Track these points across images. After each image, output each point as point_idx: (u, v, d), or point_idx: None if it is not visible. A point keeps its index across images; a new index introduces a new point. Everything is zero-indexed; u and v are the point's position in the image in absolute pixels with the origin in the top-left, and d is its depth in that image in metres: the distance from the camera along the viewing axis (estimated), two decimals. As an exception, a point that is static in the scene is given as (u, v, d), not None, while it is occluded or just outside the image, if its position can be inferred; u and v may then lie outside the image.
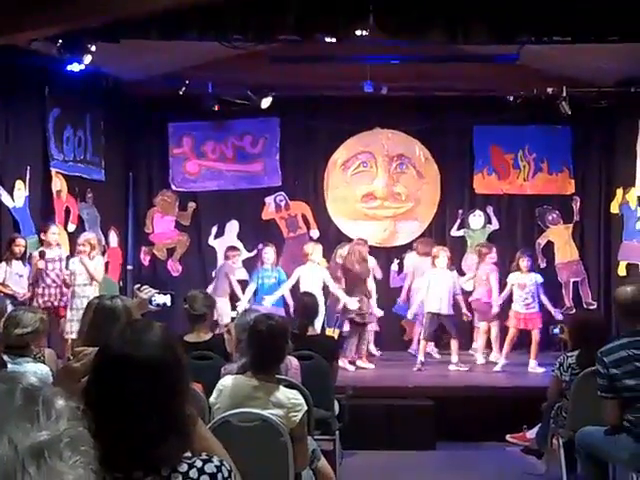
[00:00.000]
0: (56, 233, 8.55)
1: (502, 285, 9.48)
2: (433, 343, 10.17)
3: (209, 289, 9.30)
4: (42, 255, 8.21)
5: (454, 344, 9.19)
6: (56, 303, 8.29)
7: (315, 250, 9.55)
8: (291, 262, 10.24)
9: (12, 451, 0.98)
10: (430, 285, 9.19)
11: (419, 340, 9.54)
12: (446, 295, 9.11)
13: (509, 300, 9.44)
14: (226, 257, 10.26)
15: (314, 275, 9.29)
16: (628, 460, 4.59)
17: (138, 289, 4.48)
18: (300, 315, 6.46)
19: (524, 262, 9.30)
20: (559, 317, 9.32)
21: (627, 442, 4.50)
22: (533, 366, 9.04)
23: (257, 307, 8.53)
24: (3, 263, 8.06)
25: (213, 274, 10.90)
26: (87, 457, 1.04)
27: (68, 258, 8.68)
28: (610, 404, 4.53)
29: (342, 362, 8.78)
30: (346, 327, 9.43)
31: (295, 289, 9.25)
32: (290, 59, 9.04)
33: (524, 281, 9.24)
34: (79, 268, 8.49)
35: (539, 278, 9.39)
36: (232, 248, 10.42)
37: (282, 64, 9.22)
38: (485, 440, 7.28)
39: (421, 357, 9.09)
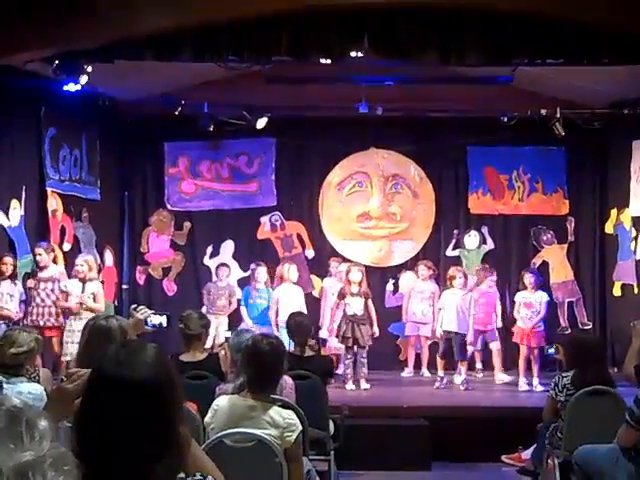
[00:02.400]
0: (42, 254, 8.40)
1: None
2: (425, 363, 10.19)
3: (203, 309, 9.32)
4: (33, 276, 8.21)
5: (459, 365, 9.24)
6: (42, 323, 8.19)
7: (290, 270, 9.59)
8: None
9: None
10: (445, 305, 9.28)
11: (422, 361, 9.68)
12: (460, 315, 9.18)
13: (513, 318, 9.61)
14: (215, 274, 10.41)
15: (292, 295, 9.32)
16: (626, 480, 4.57)
17: (134, 309, 4.48)
18: (296, 335, 6.45)
19: (528, 279, 9.37)
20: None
21: (627, 463, 4.49)
22: (522, 383, 9.16)
23: (249, 327, 8.55)
24: None
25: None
26: (70, 476, 1.06)
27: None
28: (633, 433, 4.48)
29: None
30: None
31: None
32: (285, 80, 9.09)
33: (530, 300, 9.30)
34: (75, 289, 8.42)
35: (545, 297, 9.45)
36: (222, 265, 10.53)
37: (277, 85, 9.28)
38: (481, 460, 7.24)
39: (441, 374, 9.20)
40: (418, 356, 10.38)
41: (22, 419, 1.07)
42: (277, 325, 9.31)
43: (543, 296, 9.43)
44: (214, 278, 10.59)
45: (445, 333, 9.23)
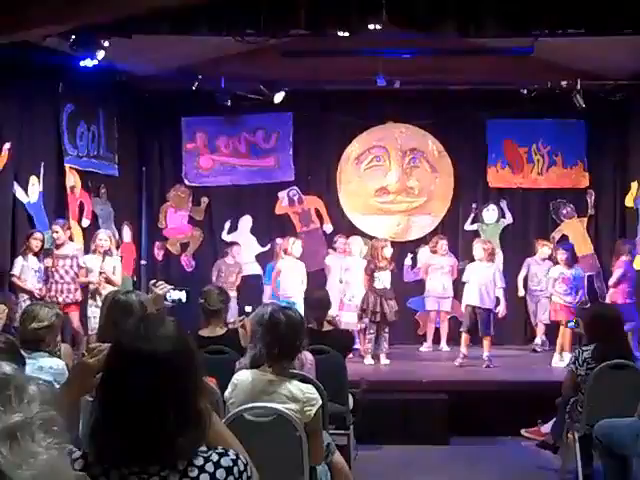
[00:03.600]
0: (58, 231, 8.48)
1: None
2: (445, 338, 10.18)
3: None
4: (49, 254, 8.27)
5: (485, 340, 8.95)
6: (61, 299, 8.27)
7: (295, 245, 9.58)
8: (304, 256, 10.23)
9: None
10: (470, 278, 9.12)
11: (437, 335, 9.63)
12: (484, 288, 8.97)
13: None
14: (225, 254, 10.49)
15: (294, 270, 9.31)
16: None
17: (154, 285, 4.49)
18: (315, 309, 6.45)
19: (562, 255, 9.24)
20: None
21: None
22: (557, 360, 8.93)
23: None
24: (20, 257, 8.09)
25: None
26: (60, 438, 1.10)
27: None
28: None
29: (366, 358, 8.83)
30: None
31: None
32: (303, 53, 9.02)
33: (567, 275, 9.20)
34: (95, 265, 8.53)
35: (581, 271, 9.36)
36: (235, 244, 10.63)
37: (295, 58, 9.21)
38: (500, 435, 7.25)
39: (463, 350, 8.96)
40: (437, 330, 10.40)
41: (10, 384, 1.11)
42: (277, 296, 9.29)
43: (579, 271, 9.33)
44: (227, 257, 10.61)
45: (469, 308, 9.03)
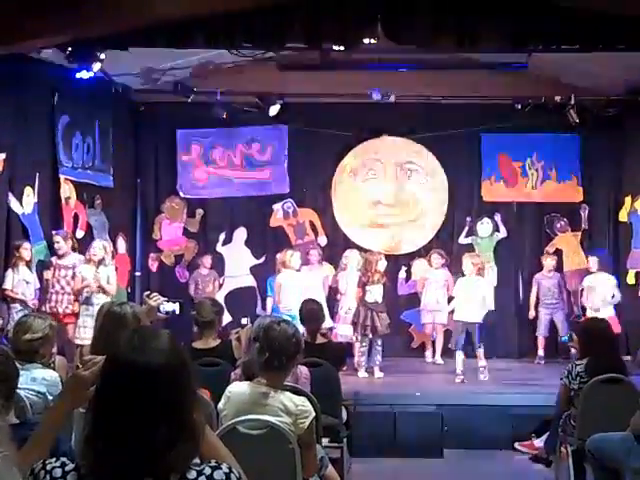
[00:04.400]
0: (60, 241, 8.54)
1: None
2: (439, 351, 10.19)
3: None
4: (48, 266, 8.27)
5: (479, 353, 8.89)
6: (61, 310, 8.28)
7: (293, 257, 9.56)
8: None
9: None
10: (459, 293, 9.11)
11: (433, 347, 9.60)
12: (474, 303, 8.93)
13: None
14: (197, 265, 10.79)
15: (294, 283, 9.30)
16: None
17: (147, 296, 4.48)
18: (307, 322, 6.45)
19: (592, 262, 9.29)
20: None
21: (641, 451, 4.48)
22: None
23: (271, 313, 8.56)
24: (10, 270, 8.08)
25: (221, 280, 10.99)
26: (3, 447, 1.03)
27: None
28: None
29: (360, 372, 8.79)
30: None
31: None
32: (298, 67, 9.06)
33: (595, 284, 9.20)
34: (89, 274, 8.53)
35: (613, 280, 9.40)
36: (205, 254, 10.86)
37: (290, 71, 9.25)
38: (493, 448, 7.25)
39: (459, 368, 8.83)
40: (433, 343, 10.44)
41: None
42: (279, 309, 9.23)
43: (610, 279, 9.37)
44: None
45: (460, 324, 8.99)
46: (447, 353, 9.94)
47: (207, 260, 10.75)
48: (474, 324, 8.93)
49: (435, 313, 10.18)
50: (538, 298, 10.32)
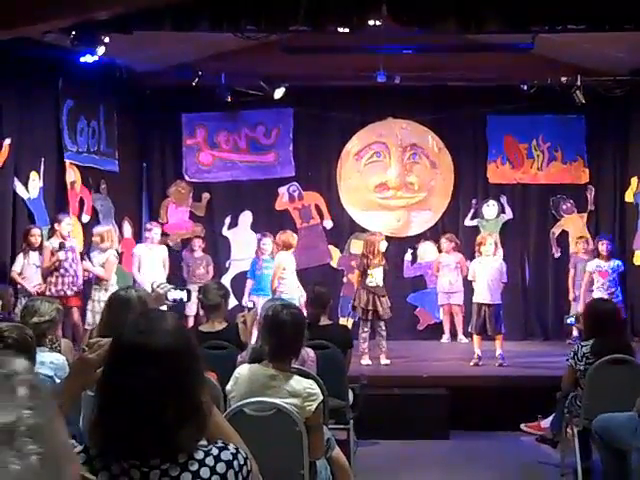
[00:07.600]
0: (71, 224, 8.60)
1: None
2: (461, 330, 10.21)
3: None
4: (62, 247, 8.24)
5: (497, 339, 8.63)
6: (69, 292, 8.31)
7: (295, 238, 9.39)
8: (304, 252, 10.24)
9: None
10: (476, 274, 8.77)
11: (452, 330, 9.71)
12: (492, 284, 8.63)
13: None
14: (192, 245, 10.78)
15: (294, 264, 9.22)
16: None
17: (156, 285, 4.51)
18: (313, 305, 6.46)
19: (603, 246, 9.26)
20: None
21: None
22: None
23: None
24: (20, 255, 8.11)
25: (227, 264, 11.01)
26: (44, 447, 0.94)
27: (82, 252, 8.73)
28: None
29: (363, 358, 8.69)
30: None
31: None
32: (303, 49, 9.02)
33: (605, 269, 9.16)
34: (98, 260, 8.55)
35: (620, 264, 9.38)
36: (196, 237, 10.86)
37: (295, 54, 9.21)
38: (499, 429, 7.27)
39: (477, 351, 8.60)
40: (440, 325, 10.61)
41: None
42: (275, 291, 8.95)
43: (618, 263, 9.34)
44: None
45: (477, 306, 8.67)
46: (455, 337, 10.02)
47: (196, 243, 10.67)
48: (491, 306, 8.61)
49: (450, 295, 10.30)
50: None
